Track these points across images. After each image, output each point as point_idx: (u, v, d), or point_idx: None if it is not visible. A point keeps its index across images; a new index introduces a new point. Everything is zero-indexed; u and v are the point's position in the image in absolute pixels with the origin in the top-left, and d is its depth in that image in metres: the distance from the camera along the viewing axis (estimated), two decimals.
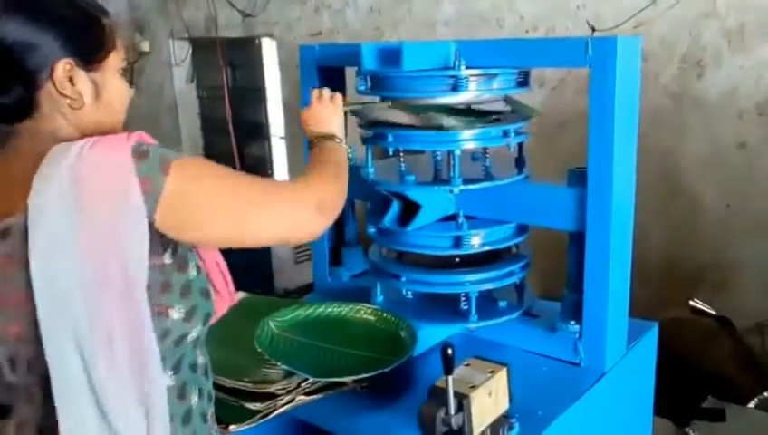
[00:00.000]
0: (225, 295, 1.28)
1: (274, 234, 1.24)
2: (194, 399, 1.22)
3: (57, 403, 1.05)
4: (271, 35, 5.10)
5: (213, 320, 1.23)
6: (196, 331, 1.18)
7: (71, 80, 1.14)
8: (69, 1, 1.17)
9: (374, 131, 1.78)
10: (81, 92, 1.15)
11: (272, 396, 1.50)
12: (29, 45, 1.10)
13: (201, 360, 1.26)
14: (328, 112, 1.61)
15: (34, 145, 1.13)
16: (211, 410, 1.29)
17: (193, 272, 1.17)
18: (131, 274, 1.05)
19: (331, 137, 1.56)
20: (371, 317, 1.83)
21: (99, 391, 1.06)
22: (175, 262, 1.13)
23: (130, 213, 1.05)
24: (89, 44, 1.17)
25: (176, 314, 1.13)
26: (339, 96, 1.64)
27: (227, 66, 5.55)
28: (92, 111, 1.18)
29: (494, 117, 1.75)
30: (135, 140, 1.09)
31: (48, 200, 1.04)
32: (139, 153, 1.07)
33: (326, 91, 1.65)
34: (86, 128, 1.18)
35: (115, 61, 1.22)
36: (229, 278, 1.30)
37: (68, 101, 1.14)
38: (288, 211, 1.23)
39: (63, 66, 1.12)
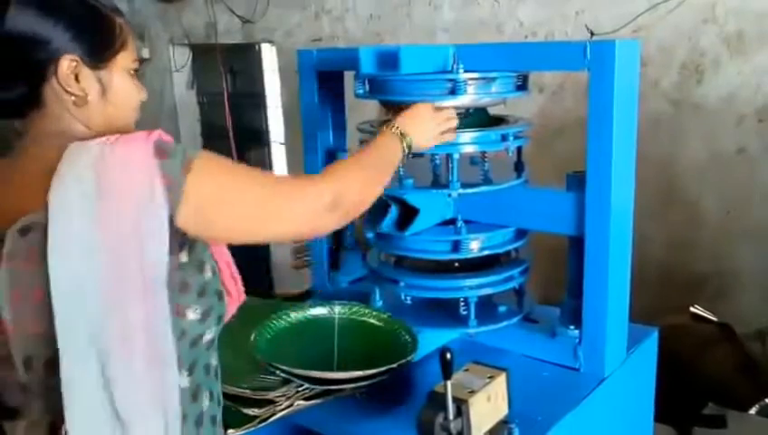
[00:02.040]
0: (236, 296, 1.27)
1: (285, 229, 1.24)
2: (206, 401, 1.22)
3: (66, 402, 1.04)
4: (271, 41, 5.11)
5: (225, 320, 1.23)
6: (210, 332, 1.18)
7: (76, 77, 1.13)
8: (86, 2, 1.16)
9: (372, 135, 1.77)
10: (86, 90, 1.15)
11: (270, 402, 1.50)
12: (36, 38, 1.10)
13: (214, 362, 1.25)
14: (428, 119, 1.59)
15: (44, 145, 1.13)
16: (220, 414, 1.28)
17: (209, 273, 1.17)
18: (151, 272, 1.05)
19: (402, 136, 1.53)
20: (372, 320, 1.82)
21: (113, 389, 1.05)
22: (192, 262, 1.13)
23: (153, 211, 1.05)
24: (97, 42, 1.16)
25: (192, 314, 1.13)
26: (453, 121, 1.64)
27: (227, 72, 5.56)
28: (99, 110, 1.18)
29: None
30: (155, 138, 1.08)
31: (69, 198, 1.03)
32: (161, 151, 1.07)
33: (447, 108, 1.64)
34: (97, 126, 1.18)
35: (125, 60, 1.21)
36: (239, 278, 1.29)
37: (72, 98, 1.14)
38: (299, 206, 1.22)
39: (69, 62, 1.12)
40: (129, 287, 1.04)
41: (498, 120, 1.82)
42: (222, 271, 1.23)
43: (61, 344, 1.03)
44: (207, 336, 1.17)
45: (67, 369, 1.04)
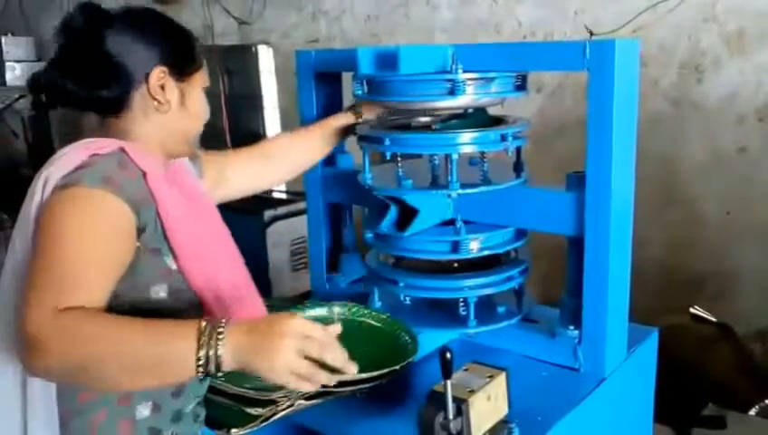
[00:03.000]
0: (219, 313, 1.26)
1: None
2: (141, 409, 1.29)
3: None
4: (267, 43, 5.10)
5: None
6: None
7: (162, 87, 1.33)
8: (170, 21, 1.39)
9: (371, 135, 1.77)
10: (169, 98, 1.34)
11: (272, 402, 1.49)
12: (134, 55, 1.30)
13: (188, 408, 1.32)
14: (290, 346, 1.08)
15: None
16: (178, 428, 1.35)
17: (161, 294, 1.27)
18: None
19: (214, 339, 1.05)
20: (371, 320, 1.81)
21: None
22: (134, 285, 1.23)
23: (35, 203, 1.21)
24: (183, 59, 1.37)
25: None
26: (321, 375, 1.13)
27: (224, 73, 5.55)
28: (175, 117, 1.37)
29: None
30: (103, 152, 1.23)
31: (25, 210, 1.24)
32: (86, 162, 1.21)
33: (323, 334, 1.15)
34: (163, 131, 1.36)
35: (201, 78, 1.42)
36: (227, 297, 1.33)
37: (156, 104, 1.33)
38: (23, 311, 1.06)
39: (158, 73, 1.32)
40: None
41: (497, 121, 1.81)
42: (202, 289, 1.30)
43: None
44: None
45: None
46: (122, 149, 1.25)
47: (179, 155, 1.43)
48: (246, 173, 1.78)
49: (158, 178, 1.27)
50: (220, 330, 1.06)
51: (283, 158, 1.85)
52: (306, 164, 1.91)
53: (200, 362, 1.04)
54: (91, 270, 1.12)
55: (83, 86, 1.29)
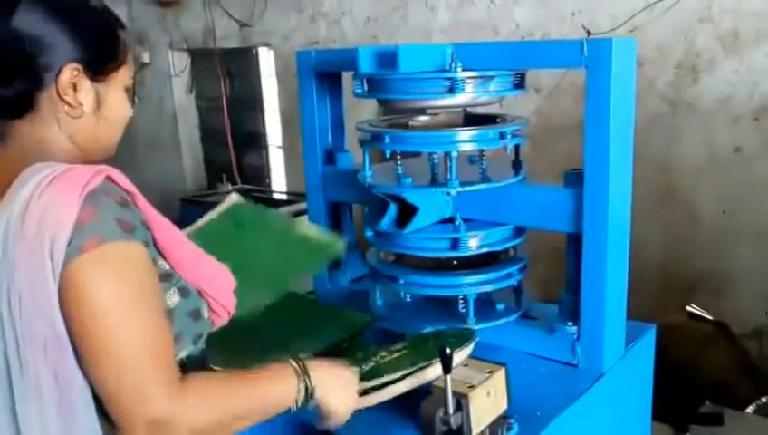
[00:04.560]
0: (221, 312, 1.23)
1: (103, 393, 1.04)
2: None
3: None
4: (268, 45, 5.12)
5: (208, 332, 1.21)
6: (185, 351, 1.16)
7: (74, 86, 1.11)
8: (92, 8, 1.15)
9: (371, 133, 1.78)
10: (82, 101, 1.12)
11: None
12: (44, 42, 1.08)
13: None
14: (349, 389, 1.35)
15: (21, 154, 1.09)
16: None
17: (175, 298, 1.14)
18: (59, 329, 1.01)
19: (305, 382, 1.24)
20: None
21: (21, 425, 1.03)
22: None
23: (47, 270, 0.99)
24: (101, 55, 1.14)
25: None
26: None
27: (225, 76, 5.58)
28: (89, 123, 1.15)
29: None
30: (92, 188, 1.01)
31: None
32: (84, 212, 1.00)
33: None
34: (82, 139, 1.15)
35: (123, 76, 1.19)
36: (225, 295, 1.24)
37: (66, 107, 1.11)
38: (130, 389, 1.02)
39: (71, 71, 1.10)
40: (37, 342, 1.01)
41: (495, 118, 1.83)
42: (201, 282, 1.19)
43: None
44: (182, 354, 1.15)
45: None
46: (108, 177, 1.05)
47: (95, 161, 1.20)
48: None
49: (141, 197, 1.11)
50: (311, 373, 1.25)
51: None
52: None
53: (299, 402, 1.23)
54: (161, 325, 1.07)
55: None
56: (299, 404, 1.23)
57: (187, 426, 1.05)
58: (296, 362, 1.24)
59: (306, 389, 1.23)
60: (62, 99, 1.10)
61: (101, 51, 1.14)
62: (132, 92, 1.27)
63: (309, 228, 1.68)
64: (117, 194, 1.04)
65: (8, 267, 1.00)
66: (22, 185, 1.02)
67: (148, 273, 1.07)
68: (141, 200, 1.09)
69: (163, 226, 1.13)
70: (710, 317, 3.01)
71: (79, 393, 1.04)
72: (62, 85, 1.10)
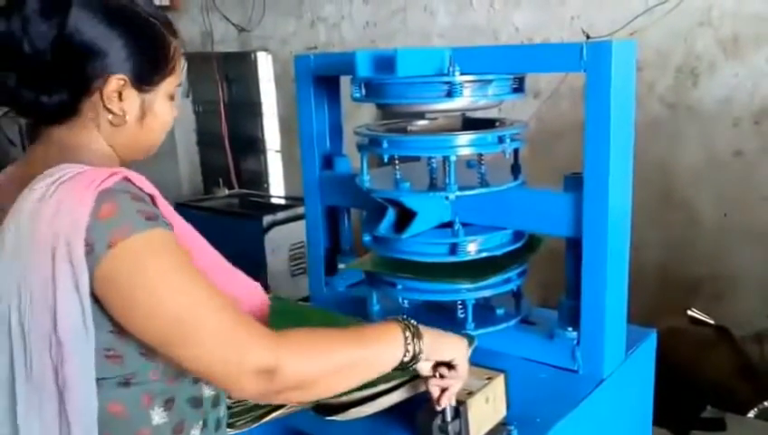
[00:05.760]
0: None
1: (196, 367, 1.05)
2: (194, 432, 1.17)
3: None
4: (266, 50, 5.12)
5: None
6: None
7: (120, 95, 1.09)
8: (144, 17, 1.11)
9: (369, 138, 1.77)
10: (126, 111, 1.10)
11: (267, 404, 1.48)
12: (94, 49, 1.05)
13: (208, 392, 1.19)
14: (462, 346, 1.33)
15: (58, 155, 1.08)
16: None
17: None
18: (65, 336, 0.98)
19: (418, 333, 1.23)
20: None
21: (21, 426, 1.02)
22: None
23: (67, 272, 0.97)
24: (150, 66, 1.11)
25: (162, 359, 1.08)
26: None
27: (223, 80, 5.57)
28: (131, 131, 1.13)
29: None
30: (106, 187, 0.99)
31: (7, 241, 0.99)
32: (99, 207, 0.98)
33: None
34: (118, 144, 1.14)
35: (170, 85, 1.16)
36: (258, 297, 1.23)
37: (110, 115, 1.10)
38: (225, 353, 1.03)
39: (117, 81, 1.07)
40: (37, 343, 0.99)
41: (494, 123, 1.82)
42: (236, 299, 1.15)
43: None
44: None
45: None
46: (126, 178, 1.03)
47: (130, 162, 1.22)
48: None
49: (162, 200, 1.09)
50: (419, 334, 1.23)
51: None
52: None
53: (406, 358, 1.21)
54: (217, 289, 1.05)
55: (30, 85, 1.05)
56: (403, 364, 1.22)
57: (293, 371, 1.05)
58: (407, 324, 1.23)
59: (415, 353, 1.22)
60: (107, 107, 1.09)
61: (150, 62, 1.11)
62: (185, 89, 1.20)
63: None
64: (134, 192, 1.02)
65: (20, 268, 0.98)
66: (30, 189, 1.00)
67: (185, 252, 1.05)
68: (161, 202, 1.08)
69: (184, 229, 1.12)
70: (711, 321, 3.00)
71: (81, 401, 1.01)
72: (107, 94, 1.07)
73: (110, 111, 1.09)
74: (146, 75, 1.11)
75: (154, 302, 0.99)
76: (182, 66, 1.19)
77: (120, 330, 1.03)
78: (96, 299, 1.00)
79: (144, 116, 1.13)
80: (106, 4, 1.06)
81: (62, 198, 0.97)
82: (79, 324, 0.99)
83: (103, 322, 1.02)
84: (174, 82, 1.17)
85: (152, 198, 1.06)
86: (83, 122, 1.10)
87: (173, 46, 1.15)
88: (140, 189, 1.04)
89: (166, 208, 1.09)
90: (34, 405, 1.01)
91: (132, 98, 1.10)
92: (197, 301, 1.02)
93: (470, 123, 1.86)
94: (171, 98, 1.18)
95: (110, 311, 1.01)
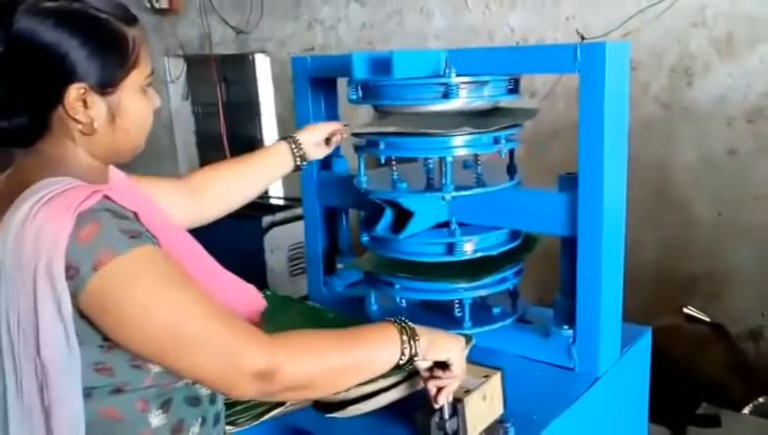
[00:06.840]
0: None
1: (195, 374, 1.07)
2: (194, 429, 1.18)
3: None
4: (264, 51, 5.13)
5: None
6: None
7: (84, 102, 1.05)
8: (94, 14, 1.05)
9: (366, 139, 1.79)
10: (93, 117, 1.06)
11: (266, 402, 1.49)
12: (52, 51, 1.00)
13: (205, 390, 1.19)
14: (458, 346, 1.33)
15: (39, 170, 1.06)
16: (218, 430, 1.26)
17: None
18: (48, 355, 0.98)
19: (410, 337, 1.24)
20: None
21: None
22: None
23: (48, 295, 0.96)
24: (109, 68, 1.06)
25: (156, 367, 1.09)
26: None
27: (222, 82, 5.58)
28: (106, 137, 1.10)
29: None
30: (86, 207, 0.98)
31: None
32: (80, 231, 0.96)
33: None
34: (98, 151, 1.11)
35: (137, 78, 1.11)
36: (253, 301, 1.25)
37: (79, 126, 1.06)
38: (220, 358, 1.04)
39: (77, 90, 1.03)
40: (26, 365, 1.00)
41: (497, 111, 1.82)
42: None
43: None
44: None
45: None
46: (106, 197, 1.01)
47: (125, 164, 1.22)
48: (176, 208, 1.44)
49: (147, 216, 1.08)
50: (415, 335, 1.24)
51: (209, 192, 1.59)
52: (238, 199, 1.66)
53: (401, 360, 1.22)
54: (209, 297, 1.06)
55: None
56: (399, 365, 1.24)
57: (291, 373, 1.07)
58: (402, 326, 1.24)
59: (412, 354, 1.23)
60: (74, 118, 1.05)
61: (107, 62, 1.06)
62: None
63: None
64: (115, 210, 1.01)
65: (7, 289, 0.98)
66: (16, 208, 0.99)
67: (172, 264, 1.04)
68: (146, 216, 1.07)
69: (175, 238, 1.13)
70: (706, 319, 3.01)
71: (66, 420, 1.01)
72: (70, 105, 1.04)
73: (77, 121, 1.05)
74: (106, 77, 1.06)
75: (144, 319, 1.00)
76: (148, 52, 1.13)
77: (110, 345, 1.04)
78: (84, 315, 1.00)
79: (114, 118, 1.09)
80: (52, 10, 1.01)
81: (41, 223, 0.96)
82: (62, 347, 0.99)
83: (92, 338, 1.03)
84: (142, 74, 1.12)
85: (135, 215, 1.05)
86: (58, 138, 1.08)
87: (131, 37, 1.08)
88: (123, 207, 1.03)
89: (152, 221, 1.08)
90: (26, 423, 1.02)
91: (98, 103, 1.06)
92: (189, 312, 1.02)
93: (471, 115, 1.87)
94: (144, 91, 1.13)
95: (101, 328, 1.01)
